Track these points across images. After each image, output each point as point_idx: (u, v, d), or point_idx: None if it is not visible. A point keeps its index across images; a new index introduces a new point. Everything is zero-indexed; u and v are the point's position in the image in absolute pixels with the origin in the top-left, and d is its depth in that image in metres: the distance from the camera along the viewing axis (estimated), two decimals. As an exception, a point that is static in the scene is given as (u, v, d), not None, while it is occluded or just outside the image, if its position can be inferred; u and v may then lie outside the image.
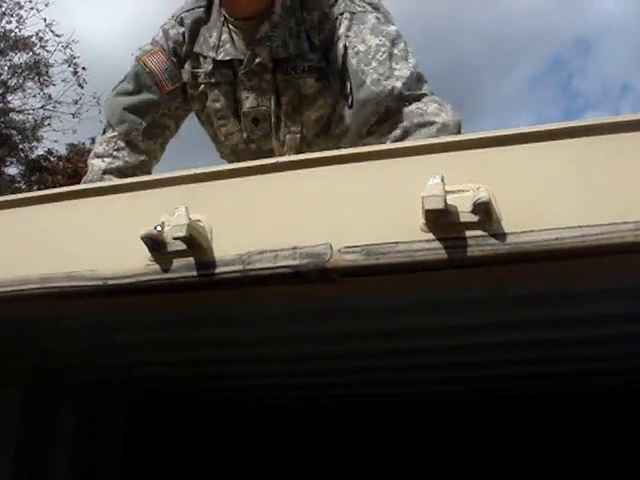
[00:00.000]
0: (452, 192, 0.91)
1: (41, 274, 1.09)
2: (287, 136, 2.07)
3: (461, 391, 2.28)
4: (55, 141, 20.30)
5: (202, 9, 2.09)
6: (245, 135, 2.11)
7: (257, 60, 2.01)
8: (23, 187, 20.63)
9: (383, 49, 1.83)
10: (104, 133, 2.12)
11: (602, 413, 2.68)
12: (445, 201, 0.89)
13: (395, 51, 1.83)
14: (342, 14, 1.92)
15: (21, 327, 1.40)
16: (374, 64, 1.81)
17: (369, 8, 1.93)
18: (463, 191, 0.92)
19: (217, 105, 2.10)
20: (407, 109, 1.74)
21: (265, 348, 1.57)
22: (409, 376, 1.98)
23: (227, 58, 2.04)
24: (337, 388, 2.21)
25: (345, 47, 1.87)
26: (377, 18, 1.91)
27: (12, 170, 21.48)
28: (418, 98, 1.76)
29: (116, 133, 2.08)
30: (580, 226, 0.88)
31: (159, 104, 2.10)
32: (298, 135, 2.07)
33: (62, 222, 1.12)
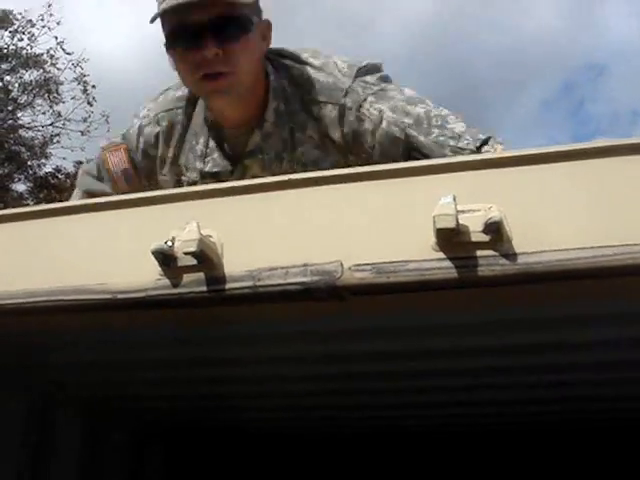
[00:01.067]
0: (463, 212, 0.91)
1: (50, 287, 1.09)
2: None
3: (467, 414, 2.26)
4: (63, 158, 20.45)
5: (181, 110, 1.94)
6: None
7: (248, 173, 1.85)
8: (31, 204, 20.71)
9: (431, 114, 1.77)
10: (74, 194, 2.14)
11: (609, 443, 2.66)
12: (457, 220, 0.89)
13: (439, 112, 1.79)
14: (365, 100, 1.79)
15: (28, 340, 1.40)
16: (436, 131, 1.75)
17: (383, 84, 1.84)
18: (474, 211, 0.92)
19: None
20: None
21: (273, 367, 1.57)
22: (419, 399, 1.97)
23: (215, 170, 1.89)
24: (346, 410, 2.20)
25: (392, 129, 1.76)
26: (396, 89, 1.84)
27: (20, 187, 21.59)
28: (486, 142, 1.75)
29: None
30: (592, 247, 0.88)
31: None
32: None
33: (73, 235, 1.12)
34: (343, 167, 1.77)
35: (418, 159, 1.72)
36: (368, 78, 1.84)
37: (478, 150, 1.73)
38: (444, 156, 1.69)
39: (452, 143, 1.73)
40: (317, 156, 1.84)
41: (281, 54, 1.91)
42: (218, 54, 1.67)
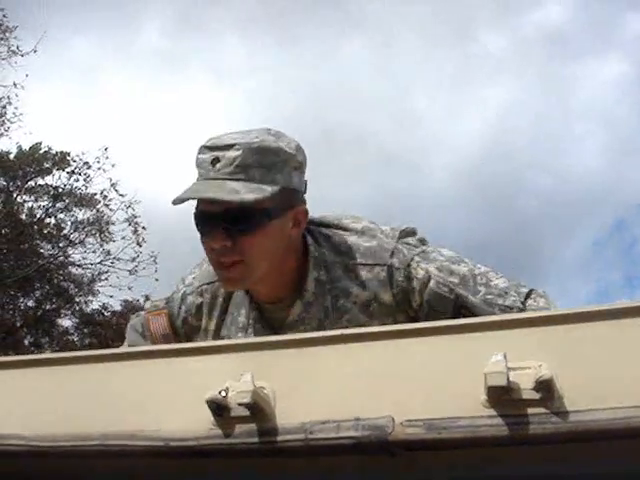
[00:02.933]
0: (514, 369, 0.92)
1: (103, 431, 1.11)
2: None
3: None
4: (110, 296, 20.83)
5: None
6: None
7: None
8: (75, 339, 21.00)
9: (475, 272, 1.81)
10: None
11: None
12: (507, 378, 0.90)
13: (479, 270, 1.83)
14: (412, 259, 1.82)
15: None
16: (482, 289, 1.78)
17: (423, 246, 1.91)
18: (525, 368, 0.93)
19: None
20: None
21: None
22: None
23: None
24: None
25: (442, 289, 1.77)
26: (435, 251, 1.88)
27: (66, 322, 21.95)
28: (529, 295, 1.78)
29: None
30: (645, 406, 0.88)
31: None
32: None
33: (128, 381, 1.15)
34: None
35: (463, 316, 1.73)
36: (409, 240, 1.92)
37: (524, 305, 1.76)
38: (493, 314, 1.70)
39: (500, 302, 1.75)
40: (364, 321, 1.81)
41: (321, 223, 1.94)
42: (226, 245, 1.68)
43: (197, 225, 1.75)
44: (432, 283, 1.77)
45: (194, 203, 1.74)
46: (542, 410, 0.92)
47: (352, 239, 1.87)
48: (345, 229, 1.92)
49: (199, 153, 1.73)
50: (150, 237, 20.49)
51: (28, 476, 1.23)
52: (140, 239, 20.50)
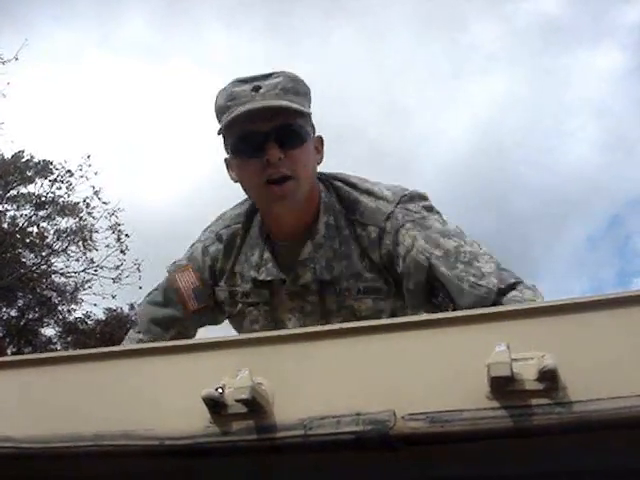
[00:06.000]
0: (517, 360, 0.91)
1: (96, 431, 1.08)
2: None
3: None
4: (94, 304, 20.70)
5: (240, 225, 2.09)
6: None
7: (300, 282, 1.97)
8: (59, 348, 20.85)
9: (462, 249, 1.82)
10: (133, 329, 2.19)
11: None
12: (511, 369, 0.89)
13: (472, 249, 1.83)
14: (402, 225, 1.89)
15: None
16: (460, 266, 1.79)
17: (425, 212, 1.94)
18: (528, 359, 0.92)
19: (256, 327, 2.04)
20: (505, 298, 1.74)
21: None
22: None
23: (268, 278, 2.00)
24: None
25: (419, 257, 1.84)
26: (437, 220, 1.93)
27: (49, 331, 21.79)
28: (513, 286, 1.76)
29: (142, 337, 2.12)
30: (649, 395, 0.87)
31: (183, 321, 2.12)
32: None
33: (122, 380, 1.12)
34: (379, 283, 1.92)
35: (438, 288, 1.81)
36: (411, 205, 1.95)
37: (502, 292, 1.75)
38: (461, 290, 1.75)
39: (472, 280, 1.76)
40: (359, 269, 1.94)
41: (331, 176, 2.08)
42: (281, 158, 1.84)
43: (242, 149, 1.90)
44: (414, 251, 1.84)
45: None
46: (546, 401, 0.90)
47: (355, 195, 1.99)
48: (352, 186, 2.03)
49: (233, 87, 1.87)
50: (133, 245, 20.42)
51: None
52: (124, 247, 20.40)
